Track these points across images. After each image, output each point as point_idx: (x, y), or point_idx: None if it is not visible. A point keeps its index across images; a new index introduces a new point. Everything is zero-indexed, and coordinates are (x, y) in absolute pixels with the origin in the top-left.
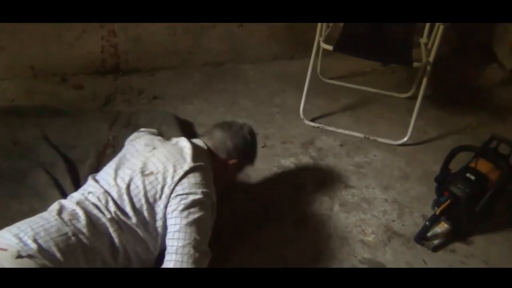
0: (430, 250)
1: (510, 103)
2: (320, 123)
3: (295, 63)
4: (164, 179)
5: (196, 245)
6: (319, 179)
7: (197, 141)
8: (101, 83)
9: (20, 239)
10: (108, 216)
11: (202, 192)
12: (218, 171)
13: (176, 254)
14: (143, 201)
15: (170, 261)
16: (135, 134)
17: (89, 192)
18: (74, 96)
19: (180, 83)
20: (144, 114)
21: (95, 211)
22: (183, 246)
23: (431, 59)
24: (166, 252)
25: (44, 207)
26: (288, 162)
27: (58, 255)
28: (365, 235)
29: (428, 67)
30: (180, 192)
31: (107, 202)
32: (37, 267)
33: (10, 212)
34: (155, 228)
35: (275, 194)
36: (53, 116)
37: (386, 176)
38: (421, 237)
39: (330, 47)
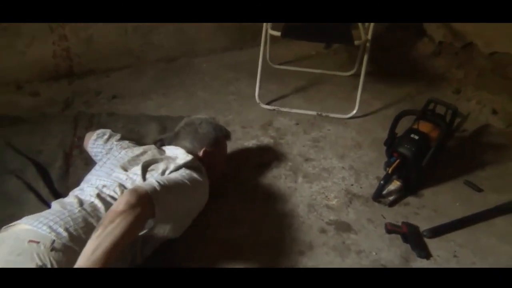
0: (387, 206)
1: (441, 71)
2: (275, 106)
3: (244, 53)
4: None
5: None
6: (281, 156)
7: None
8: (57, 88)
9: (51, 228)
10: None
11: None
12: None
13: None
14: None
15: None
16: (125, 143)
17: (103, 186)
18: (32, 103)
19: (137, 81)
20: (105, 116)
21: (113, 202)
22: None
23: (369, 36)
24: None
25: (20, 212)
26: (251, 144)
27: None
28: (328, 200)
29: (368, 44)
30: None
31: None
32: (66, 258)
33: None
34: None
35: (243, 174)
36: (14, 124)
37: (340, 146)
38: (378, 196)
39: (278, 33)
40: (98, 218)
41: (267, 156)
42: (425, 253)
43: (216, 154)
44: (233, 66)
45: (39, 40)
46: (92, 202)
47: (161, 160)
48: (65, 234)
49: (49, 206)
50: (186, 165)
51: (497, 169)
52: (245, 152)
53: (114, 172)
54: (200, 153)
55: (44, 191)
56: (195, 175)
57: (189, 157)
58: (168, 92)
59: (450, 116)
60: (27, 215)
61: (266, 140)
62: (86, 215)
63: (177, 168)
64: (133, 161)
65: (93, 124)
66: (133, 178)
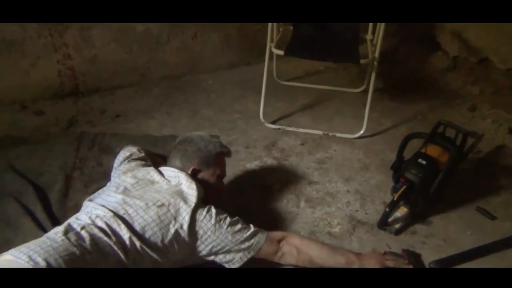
0: (393, 234)
1: (455, 88)
2: (280, 125)
3: (252, 69)
4: (176, 211)
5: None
6: (284, 178)
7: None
8: (62, 107)
9: (30, 257)
10: (114, 239)
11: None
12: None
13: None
14: (156, 229)
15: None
16: (127, 166)
17: (97, 216)
18: (36, 122)
19: (141, 99)
20: (109, 136)
21: (101, 235)
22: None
23: (376, 54)
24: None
25: (16, 236)
26: (253, 166)
27: None
28: (331, 227)
29: (375, 63)
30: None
31: (118, 225)
32: None
33: None
34: (166, 247)
35: (244, 198)
36: (17, 145)
37: (346, 168)
38: (383, 223)
39: (281, 52)
40: (82, 248)
41: (270, 179)
42: None
43: (209, 172)
44: (239, 83)
45: (44, 59)
46: (78, 233)
47: (169, 193)
48: (43, 264)
49: (45, 231)
50: (198, 205)
51: (511, 195)
52: (247, 174)
53: (112, 201)
54: (189, 172)
55: (41, 216)
56: (213, 211)
57: (193, 188)
58: (172, 110)
59: (461, 139)
60: (22, 239)
61: (269, 161)
62: (68, 245)
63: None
64: (137, 191)
65: (96, 144)
66: (130, 212)
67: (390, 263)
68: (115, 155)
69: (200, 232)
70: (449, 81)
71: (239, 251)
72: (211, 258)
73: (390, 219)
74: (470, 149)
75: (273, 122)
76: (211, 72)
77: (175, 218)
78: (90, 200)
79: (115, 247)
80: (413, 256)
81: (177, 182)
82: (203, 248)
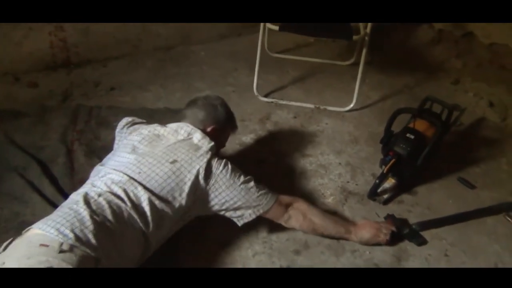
0: (381, 204)
1: (440, 60)
2: (273, 98)
3: (243, 40)
4: (190, 164)
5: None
6: (278, 151)
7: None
8: (55, 79)
9: (58, 230)
10: (130, 205)
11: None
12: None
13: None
14: (173, 184)
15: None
16: (131, 128)
17: (112, 182)
18: (30, 95)
19: (134, 71)
20: (105, 109)
21: (118, 201)
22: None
23: (368, 30)
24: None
25: (25, 209)
26: (249, 139)
27: (93, 241)
28: (325, 197)
29: (366, 38)
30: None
31: (135, 187)
32: (77, 258)
33: None
34: (183, 203)
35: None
36: (14, 118)
37: (338, 141)
38: (373, 194)
39: (276, 27)
40: (103, 216)
41: (265, 152)
42: (422, 239)
43: (221, 138)
44: (231, 55)
45: (36, 31)
46: (96, 201)
47: (180, 148)
48: (71, 235)
49: (54, 205)
50: (213, 155)
51: (490, 165)
52: (243, 147)
53: (124, 162)
54: (209, 129)
55: (49, 190)
56: (229, 166)
57: (206, 140)
58: (165, 83)
59: (446, 114)
60: (31, 213)
61: (264, 134)
62: (91, 214)
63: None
64: (145, 147)
65: (93, 117)
66: (148, 173)
67: (384, 229)
68: (112, 128)
69: (216, 185)
70: (434, 54)
71: (249, 208)
72: (222, 213)
73: (379, 190)
74: (453, 122)
75: (266, 95)
76: (203, 43)
77: (189, 171)
78: (102, 165)
79: (132, 213)
80: (399, 220)
81: (186, 136)
82: (216, 202)
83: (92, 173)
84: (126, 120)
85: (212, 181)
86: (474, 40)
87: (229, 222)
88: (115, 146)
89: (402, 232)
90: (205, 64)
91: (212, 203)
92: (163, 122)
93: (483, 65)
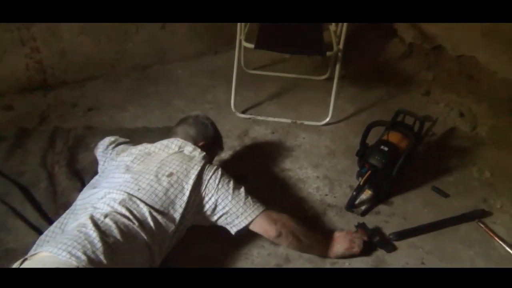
0: (359, 215)
1: (411, 73)
2: (251, 114)
3: (220, 57)
4: (186, 175)
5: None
6: (257, 167)
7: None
8: (31, 101)
9: (70, 253)
10: (137, 223)
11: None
12: None
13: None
14: (172, 197)
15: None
16: (117, 149)
17: (114, 201)
18: (7, 118)
19: (112, 91)
20: (83, 130)
21: (124, 220)
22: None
23: (341, 46)
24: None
25: (8, 236)
26: (227, 156)
27: (104, 262)
28: (305, 211)
29: (339, 54)
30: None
31: (137, 205)
32: None
33: None
34: (184, 213)
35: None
36: None
37: (315, 155)
38: (351, 206)
39: (251, 45)
40: (112, 236)
41: (244, 168)
42: (392, 246)
43: (210, 156)
44: (208, 72)
45: (11, 53)
46: (103, 222)
47: (173, 161)
48: (83, 257)
49: (38, 231)
50: (206, 163)
51: (462, 174)
52: (223, 164)
53: (121, 181)
54: (199, 144)
55: (33, 215)
56: (219, 172)
57: (197, 151)
58: (144, 102)
59: (418, 125)
60: (14, 240)
61: (242, 151)
62: (101, 235)
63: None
64: (139, 165)
65: (70, 139)
66: (147, 188)
67: (356, 240)
68: (90, 150)
69: (206, 190)
70: (406, 67)
71: (239, 213)
72: (215, 219)
73: (356, 202)
74: (426, 133)
75: (244, 112)
76: (180, 62)
77: (187, 182)
78: (95, 187)
79: (139, 230)
80: (370, 228)
81: (177, 149)
82: (207, 207)
83: (83, 195)
84: (109, 140)
85: (203, 187)
86: (443, 53)
87: (213, 237)
88: (101, 167)
89: (373, 240)
90: (183, 82)
91: (205, 209)
92: (143, 141)
93: (452, 76)
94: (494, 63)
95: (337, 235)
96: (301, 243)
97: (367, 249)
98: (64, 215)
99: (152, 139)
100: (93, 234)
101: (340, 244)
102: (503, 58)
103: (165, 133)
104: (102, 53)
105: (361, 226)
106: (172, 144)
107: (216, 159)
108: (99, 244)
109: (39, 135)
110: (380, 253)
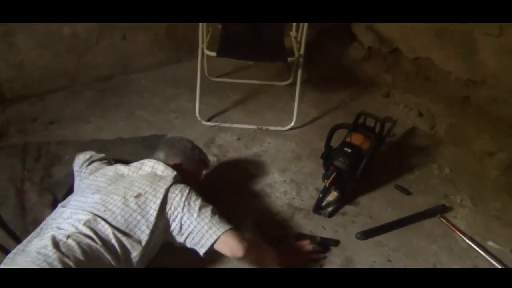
0: (327, 217)
1: (371, 76)
2: (216, 121)
3: (182, 66)
4: (154, 195)
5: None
6: (225, 175)
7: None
8: None
9: None
10: (100, 243)
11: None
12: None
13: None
14: (139, 217)
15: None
16: (90, 167)
17: (79, 222)
18: None
19: (73, 103)
20: (55, 144)
21: (88, 241)
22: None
23: (302, 51)
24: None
25: None
26: None
27: None
28: (273, 215)
29: (300, 59)
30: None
31: (102, 226)
32: None
33: None
34: (151, 235)
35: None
36: None
37: (281, 160)
38: (318, 208)
39: (213, 54)
40: (74, 257)
41: (212, 176)
42: (335, 240)
43: (187, 172)
44: (172, 81)
45: None
46: (66, 243)
47: (143, 182)
48: None
49: (5, 250)
50: (175, 182)
51: (423, 172)
52: None
53: (89, 202)
54: (171, 164)
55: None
56: (186, 190)
57: (168, 170)
58: (106, 113)
59: (379, 127)
60: None
61: (210, 159)
62: (61, 257)
63: (167, 189)
64: (109, 186)
65: (42, 154)
66: (113, 210)
67: (304, 249)
68: (64, 163)
69: (172, 209)
70: (365, 69)
71: (202, 234)
72: (183, 239)
73: (323, 204)
74: (387, 133)
75: (209, 120)
76: (143, 72)
77: (154, 202)
78: (64, 206)
79: (102, 250)
80: (307, 235)
81: (150, 170)
82: (174, 227)
83: (53, 215)
84: (83, 157)
85: (169, 205)
86: (401, 56)
87: (185, 258)
88: (76, 185)
89: (316, 241)
90: (146, 92)
91: (171, 228)
92: (117, 151)
93: (410, 78)
94: (448, 63)
95: (283, 248)
96: (262, 263)
97: (319, 252)
98: (32, 233)
99: (127, 149)
100: (53, 255)
101: (289, 257)
102: (456, 58)
103: (140, 142)
104: (61, 65)
105: (300, 235)
106: (145, 165)
107: None
108: (58, 266)
109: (8, 151)
110: (347, 252)
